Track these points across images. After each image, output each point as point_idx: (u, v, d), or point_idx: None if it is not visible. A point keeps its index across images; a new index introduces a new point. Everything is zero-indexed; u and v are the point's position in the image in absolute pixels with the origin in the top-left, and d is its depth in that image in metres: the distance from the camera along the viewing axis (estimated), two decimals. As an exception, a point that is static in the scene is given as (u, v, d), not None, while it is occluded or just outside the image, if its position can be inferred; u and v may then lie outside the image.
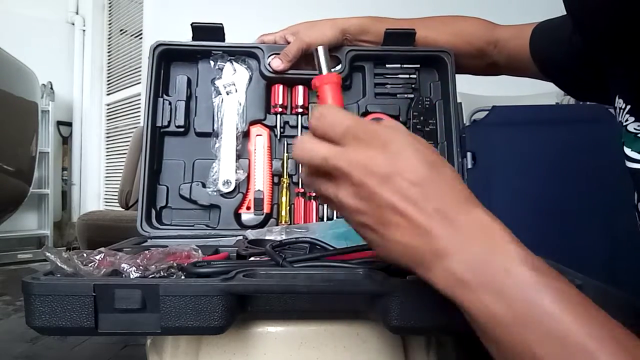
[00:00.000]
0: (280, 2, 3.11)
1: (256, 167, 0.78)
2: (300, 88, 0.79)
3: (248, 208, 0.77)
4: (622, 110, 0.57)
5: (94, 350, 1.87)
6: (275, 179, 0.78)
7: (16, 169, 1.53)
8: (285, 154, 0.78)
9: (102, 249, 0.48)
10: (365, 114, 0.78)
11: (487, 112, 1.94)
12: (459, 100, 0.82)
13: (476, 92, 2.35)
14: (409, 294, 0.41)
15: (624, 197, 0.64)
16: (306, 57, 0.76)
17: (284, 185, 0.77)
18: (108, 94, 4.23)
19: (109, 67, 4.25)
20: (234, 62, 0.78)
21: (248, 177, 0.77)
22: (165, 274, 0.46)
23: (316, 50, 0.71)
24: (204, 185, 0.77)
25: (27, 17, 3.96)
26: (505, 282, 0.31)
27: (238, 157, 0.77)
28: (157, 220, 0.75)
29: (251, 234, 0.66)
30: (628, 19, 0.42)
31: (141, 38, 3.64)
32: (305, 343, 0.47)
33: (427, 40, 0.79)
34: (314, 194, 0.76)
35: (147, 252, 0.48)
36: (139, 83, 3.69)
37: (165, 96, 0.78)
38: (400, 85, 0.79)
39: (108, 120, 4.23)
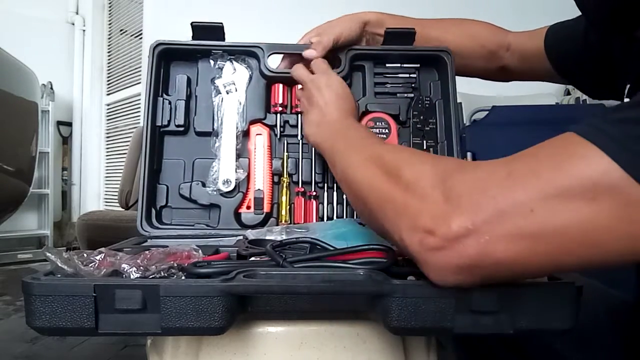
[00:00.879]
0: (280, 2, 3.11)
1: (256, 167, 0.78)
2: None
3: (248, 207, 0.77)
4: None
5: (93, 351, 1.87)
6: (275, 178, 0.78)
7: (16, 169, 1.52)
8: (285, 154, 0.78)
9: (102, 249, 0.48)
10: (365, 113, 0.78)
11: (487, 112, 1.94)
12: (459, 100, 0.82)
13: (476, 92, 2.35)
14: (409, 295, 0.41)
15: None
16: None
17: (284, 185, 0.77)
18: (108, 94, 4.23)
19: (109, 67, 4.24)
20: (233, 62, 0.78)
21: (248, 176, 0.77)
22: (166, 275, 0.46)
23: None
24: (204, 185, 0.77)
25: (27, 17, 3.95)
26: (339, 133, 0.61)
27: (238, 156, 0.77)
28: (157, 220, 0.75)
29: (251, 234, 0.66)
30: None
31: (141, 38, 3.64)
32: (306, 343, 0.47)
33: (440, 41, 0.80)
34: (313, 193, 0.77)
35: (147, 252, 0.48)
36: (139, 83, 3.68)
37: (165, 95, 0.78)
38: (400, 85, 0.80)
39: (108, 120, 4.23)
